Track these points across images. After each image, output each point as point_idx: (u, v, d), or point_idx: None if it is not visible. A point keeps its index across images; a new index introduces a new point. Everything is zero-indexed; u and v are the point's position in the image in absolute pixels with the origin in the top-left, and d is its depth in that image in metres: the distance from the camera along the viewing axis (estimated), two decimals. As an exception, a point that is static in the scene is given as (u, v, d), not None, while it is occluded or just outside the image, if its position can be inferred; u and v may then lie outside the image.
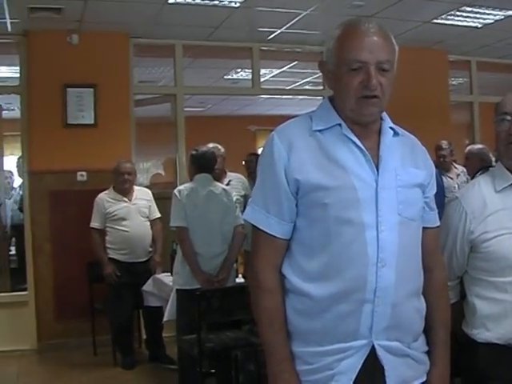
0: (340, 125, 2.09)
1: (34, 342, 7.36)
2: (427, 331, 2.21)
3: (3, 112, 8.43)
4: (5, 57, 8.23)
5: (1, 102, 8.31)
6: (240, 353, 3.65)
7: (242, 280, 5.70)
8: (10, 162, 9.59)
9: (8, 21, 6.93)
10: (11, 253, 8.94)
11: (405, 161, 2.14)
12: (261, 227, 2.10)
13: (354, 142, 2.07)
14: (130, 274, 6.42)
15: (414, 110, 7.98)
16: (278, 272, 2.11)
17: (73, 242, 7.16)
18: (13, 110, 9.51)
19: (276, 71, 9.58)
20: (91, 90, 7.36)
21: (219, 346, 4.92)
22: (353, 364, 2.04)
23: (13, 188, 9.64)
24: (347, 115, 2.09)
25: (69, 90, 7.30)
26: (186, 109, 8.03)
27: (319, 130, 2.10)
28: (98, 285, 6.77)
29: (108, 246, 6.57)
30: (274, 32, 7.62)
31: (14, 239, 9.13)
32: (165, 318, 5.63)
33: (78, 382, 6.26)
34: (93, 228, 6.61)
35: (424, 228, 2.19)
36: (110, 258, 6.54)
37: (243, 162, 8.10)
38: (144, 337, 6.99)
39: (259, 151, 11.09)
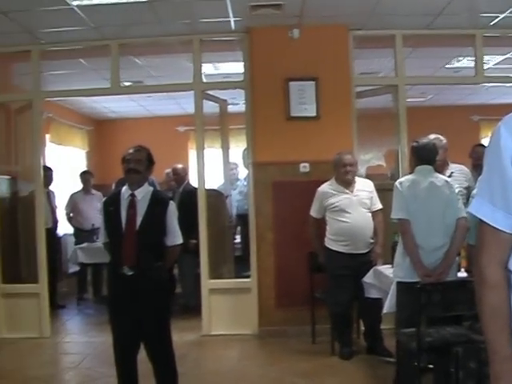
0: None
1: (255, 327, 7.62)
2: None
3: (228, 106, 8.78)
4: (229, 53, 8.54)
5: (226, 97, 8.66)
6: (461, 349, 3.55)
7: (464, 274, 5.54)
8: (236, 154, 9.96)
9: (231, 19, 7.22)
10: (236, 241, 9.33)
11: None
12: (486, 221, 2.03)
13: None
14: (350, 265, 6.44)
15: None
16: (503, 268, 2.04)
17: (294, 232, 7.33)
18: (237, 104, 9.86)
19: (500, 58, 9.18)
20: (313, 82, 7.46)
21: (439, 341, 4.81)
22: None
23: (238, 179, 10.02)
24: None
25: (291, 83, 7.46)
26: (407, 99, 7.91)
27: None
28: (318, 274, 6.87)
29: (329, 237, 6.63)
30: (497, 17, 7.28)
31: (238, 228, 9.50)
32: (384, 310, 5.60)
33: (296, 368, 6.38)
34: (310, 215, 6.79)
35: None
36: (331, 250, 6.60)
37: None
38: (362, 328, 7.00)
39: (484, 142, 10.74)
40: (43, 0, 6.31)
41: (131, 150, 4.99)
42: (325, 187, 6.70)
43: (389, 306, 5.45)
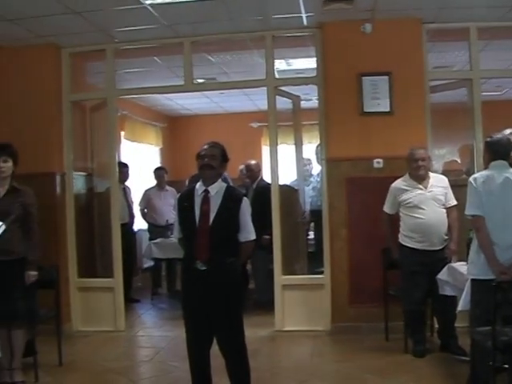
0: None
1: (328, 323, 7.60)
2: None
3: (301, 102, 8.77)
4: (301, 49, 8.54)
5: (299, 93, 8.65)
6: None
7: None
8: (309, 150, 9.94)
9: (303, 15, 7.21)
10: (309, 237, 9.33)
11: None
12: None
13: None
14: (424, 261, 6.36)
15: None
16: None
17: (368, 228, 7.29)
18: (310, 100, 9.86)
19: None
20: (386, 77, 7.38)
21: (515, 340, 4.72)
22: None
23: (311, 175, 10.01)
24: None
25: (364, 78, 7.40)
26: (482, 93, 7.75)
27: None
28: (392, 271, 6.81)
29: (403, 233, 6.58)
30: None
31: (312, 224, 9.49)
32: (459, 308, 5.50)
33: (368, 365, 6.34)
34: (384, 211, 6.77)
35: None
36: (404, 246, 6.55)
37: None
38: (436, 326, 6.90)
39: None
40: (117, -1, 6.45)
41: (206, 146, 5.02)
42: (398, 183, 6.65)
43: (463, 303, 5.35)
